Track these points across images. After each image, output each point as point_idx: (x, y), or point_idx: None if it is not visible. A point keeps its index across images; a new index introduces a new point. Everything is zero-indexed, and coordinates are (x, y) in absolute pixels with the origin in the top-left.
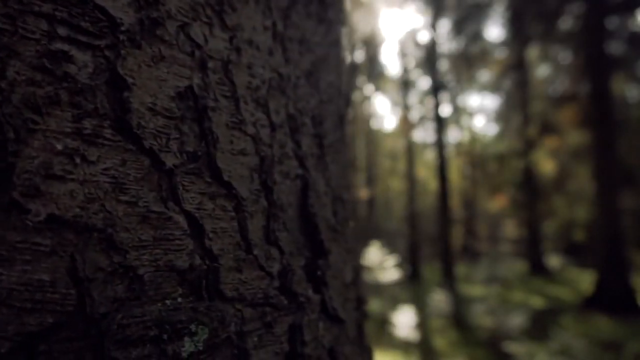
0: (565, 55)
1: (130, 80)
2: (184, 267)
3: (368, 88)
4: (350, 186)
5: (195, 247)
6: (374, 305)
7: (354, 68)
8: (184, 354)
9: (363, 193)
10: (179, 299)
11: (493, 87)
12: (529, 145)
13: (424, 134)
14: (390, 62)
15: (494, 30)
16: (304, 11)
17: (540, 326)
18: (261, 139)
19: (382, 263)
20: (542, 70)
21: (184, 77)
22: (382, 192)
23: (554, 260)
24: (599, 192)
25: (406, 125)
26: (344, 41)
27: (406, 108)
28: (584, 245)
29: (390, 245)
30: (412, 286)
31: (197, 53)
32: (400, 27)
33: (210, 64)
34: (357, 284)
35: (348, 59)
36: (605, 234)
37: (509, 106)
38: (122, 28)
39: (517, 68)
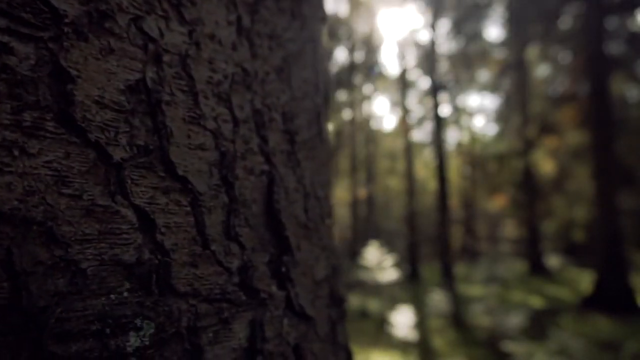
0: (564, 55)
1: (74, 72)
2: (131, 262)
3: (367, 88)
4: (327, 184)
5: (145, 242)
6: (372, 305)
7: (353, 68)
8: (129, 349)
9: (362, 193)
10: (125, 294)
11: (492, 87)
12: (529, 145)
13: (423, 134)
14: (390, 62)
15: (494, 30)
16: (274, 6)
17: (539, 326)
18: (222, 134)
19: (380, 263)
20: (541, 70)
21: (135, 71)
22: (381, 191)
23: (553, 260)
24: (598, 192)
25: (405, 125)
26: (324, 38)
27: (405, 108)
28: (583, 245)
29: (389, 245)
30: (411, 286)
31: (150, 46)
32: (399, 27)
33: (166, 58)
34: (336, 282)
35: (347, 58)
36: (605, 234)
37: (509, 106)
38: (66, 20)
39: (517, 68)
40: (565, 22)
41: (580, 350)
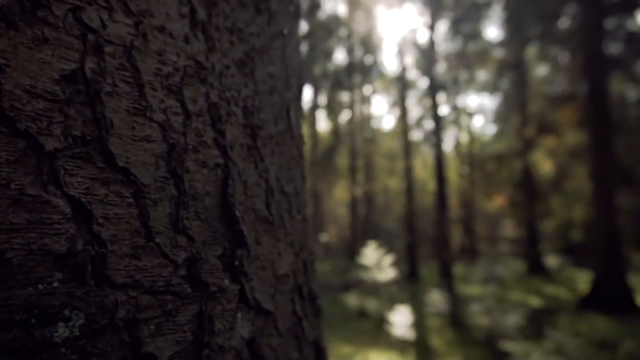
0: (563, 55)
1: (2, 61)
2: (62, 252)
3: (366, 88)
4: (299, 179)
5: (81, 232)
6: (371, 304)
7: (352, 67)
8: (58, 339)
9: (361, 192)
10: (56, 284)
11: (492, 87)
12: (528, 145)
13: (422, 134)
14: (389, 62)
15: (493, 30)
16: (236, 1)
17: (537, 325)
18: (172, 127)
19: (379, 262)
20: (540, 70)
21: (72, 61)
22: (381, 191)
23: (552, 260)
24: (596, 192)
25: (404, 125)
26: (299, 32)
27: (404, 108)
28: (582, 245)
29: (389, 245)
30: (410, 286)
31: (90, 37)
32: (399, 27)
33: (108, 49)
34: (307, 278)
35: (346, 58)
36: (602, 233)
37: (508, 106)
38: None
39: (516, 68)
40: (564, 22)
41: (576, 349)
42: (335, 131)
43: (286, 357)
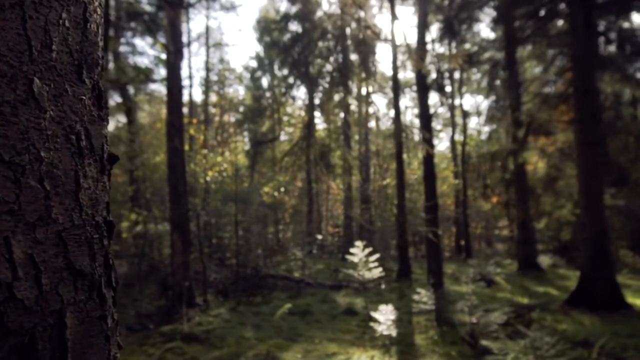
0: (556, 55)
1: None
2: None
3: (362, 88)
4: (49, 152)
5: None
6: (359, 303)
7: (347, 67)
8: None
9: (355, 192)
10: None
11: (485, 87)
12: (521, 145)
13: (417, 133)
14: (383, 62)
15: (486, 30)
16: None
17: (521, 323)
18: None
19: (368, 261)
20: (533, 70)
21: None
22: (376, 191)
23: (545, 260)
24: (583, 190)
25: (399, 125)
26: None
27: (398, 108)
28: (575, 244)
29: (382, 244)
30: (401, 284)
31: None
32: (392, 27)
33: None
34: (60, 250)
35: (341, 58)
36: (589, 231)
37: (501, 106)
38: None
39: (508, 67)
40: (556, 21)
41: (550, 347)
42: (332, 130)
43: None
